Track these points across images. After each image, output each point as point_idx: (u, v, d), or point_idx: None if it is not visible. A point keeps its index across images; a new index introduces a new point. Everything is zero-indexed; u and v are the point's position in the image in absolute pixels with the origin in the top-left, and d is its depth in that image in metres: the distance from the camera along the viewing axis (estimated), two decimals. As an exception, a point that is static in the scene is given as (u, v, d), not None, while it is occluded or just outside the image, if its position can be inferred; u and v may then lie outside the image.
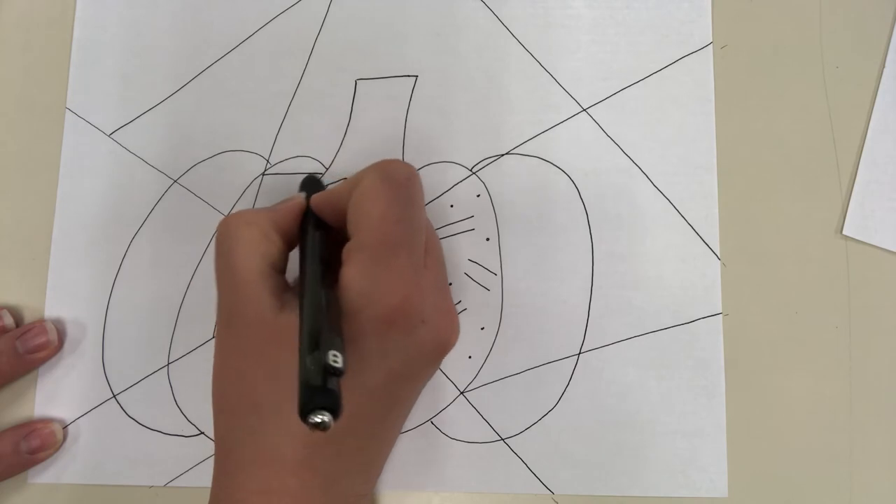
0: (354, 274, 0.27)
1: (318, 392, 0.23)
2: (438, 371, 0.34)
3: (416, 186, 0.29)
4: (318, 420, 0.23)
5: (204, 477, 0.33)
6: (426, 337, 0.28)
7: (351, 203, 0.29)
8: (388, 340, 0.27)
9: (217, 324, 0.30)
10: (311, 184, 0.33)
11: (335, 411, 0.23)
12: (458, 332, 0.30)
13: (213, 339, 0.29)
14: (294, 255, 0.31)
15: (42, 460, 0.34)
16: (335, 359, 0.24)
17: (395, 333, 0.27)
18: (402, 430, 0.34)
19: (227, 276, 0.29)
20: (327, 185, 0.35)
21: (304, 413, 0.23)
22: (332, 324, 0.26)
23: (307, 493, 0.27)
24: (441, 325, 0.29)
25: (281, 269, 0.30)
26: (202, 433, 0.34)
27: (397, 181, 0.29)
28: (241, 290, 0.28)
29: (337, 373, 0.24)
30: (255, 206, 0.35)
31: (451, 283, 0.35)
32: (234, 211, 0.35)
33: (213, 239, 0.30)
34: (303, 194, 0.32)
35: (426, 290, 0.28)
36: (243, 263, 0.29)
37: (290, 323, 0.27)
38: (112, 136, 0.36)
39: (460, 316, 0.34)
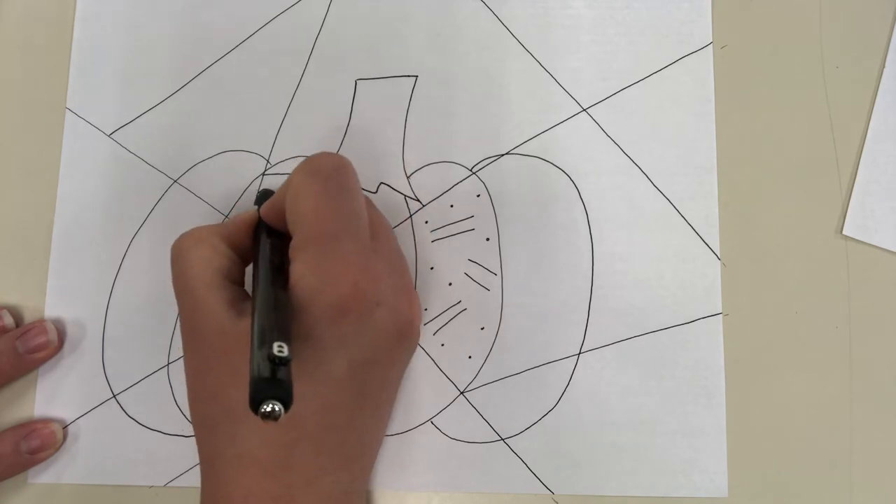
0: (301, 270, 0.28)
1: (267, 382, 0.23)
2: (438, 371, 0.34)
3: (347, 175, 0.30)
4: (268, 409, 0.23)
5: (204, 477, 0.33)
6: (384, 319, 0.28)
7: (286, 204, 0.29)
8: (343, 328, 0.27)
9: (182, 341, 0.30)
10: (266, 197, 0.34)
11: (285, 400, 0.23)
12: (420, 311, 0.30)
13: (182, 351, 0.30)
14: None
15: (42, 460, 0.34)
16: (280, 349, 0.24)
17: (349, 320, 0.27)
18: (402, 431, 0.34)
19: (184, 294, 0.29)
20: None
21: (254, 404, 0.23)
22: (283, 320, 0.26)
23: (288, 493, 0.27)
24: (399, 306, 0.29)
25: (236, 280, 0.31)
26: (202, 433, 0.34)
27: (325, 173, 0.29)
28: (199, 306, 0.29)
29: (283, 362, 0.24)
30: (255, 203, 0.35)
31: (450, 284, 0.35)
32: (195, 228, 0.35)
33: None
34: (255, 207, 0.32)
35: (378, 273, 0.28)
36: (197, 280, 0.29)
37: (248, 328, 0.27)
38: (112, 136, 0.36)
39: (460, 316, 0.34)
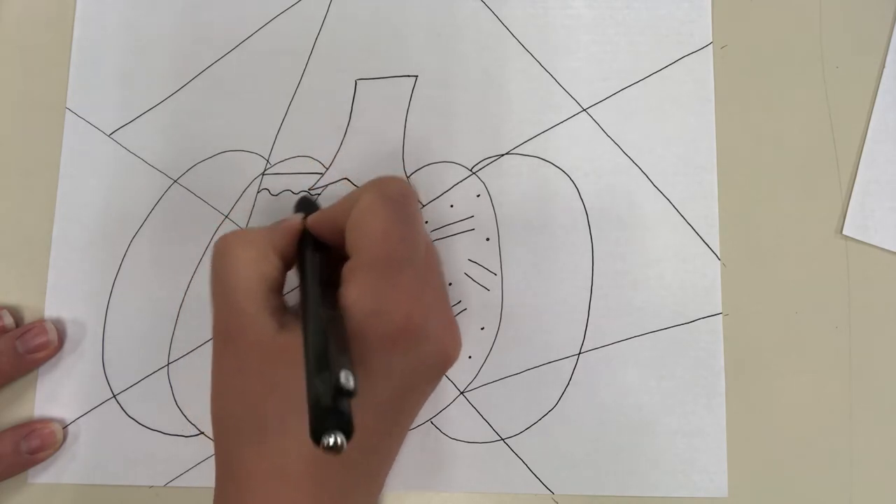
0: (358, 293, 0.27)
1: (330, 413, 0.23)
2: (438, 371, 0.34)
3: (415, 203, 0.29)
4: (332, 442, 0.23)
5: (204, 477, 0.33)
6: (430, 352, 0.28)
7: (350, 222, 0.29)
8: (393, 357, 0.27)
9: (214, 342, 0.29)
10: (307, 204, 0.33)
11: (348, 432, 0.23)
12: (461, 346, 0.30)
13: (211, 352, 0.30)
14: (292, 274, 0.31)
15: (42, 460, 0.34)
16: (347, 379, 0.23)
17: (400, 351, 0.27)
18: (403, 430, 0.34)
19: (224, 295, 0.29)
20: (322, 189, 0.35)
21: (317, 435, 0.23)
22: (339, 344, 0.25)
23: None
24: (444, 340, 0.29)
25: (278, 289, 0.30)
26: (202, 433, 0.34)
27: (396, 199, 0.29)
28: (240, 311, 0.28)
29: (349, 394, 0.23)
30: (255, 203, 0.35)
31: (450, 284, 0.35)
32: (230, 229, 0.35)
33: (211, 251, 0.30)
34: (300, 215, 0.32)
35: (429, 306, 0.28)
36: (241, 283, 0.28)
37: (288, 342, 0.27)
38: (112, 136, 0.36)
39: (460, 316, 0.34)
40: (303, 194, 0.35)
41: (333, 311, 0.27)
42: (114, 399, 0.34)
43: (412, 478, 0.33)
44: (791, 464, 0.33)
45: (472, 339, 0.34)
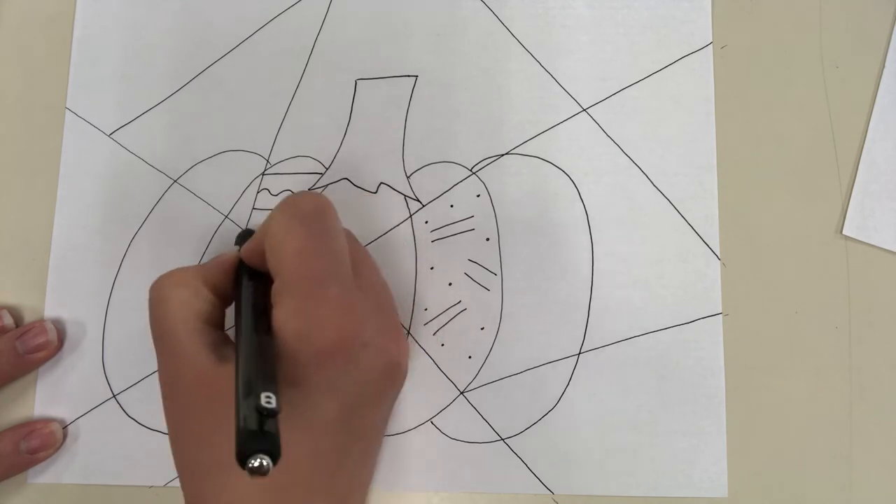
0: (285, 315, 0.27)
1: (255, 436, 0.23)
2: (438, 371, 0.34)
3: (328, 215, 0.29)
4: (257, 464, 0.23)
5: (204, 477, 0.33)
6: (372, 361, 0.28)
7: (266, 247, 0.28)
8: (331, 372, 0.27)
9: (161, 388, 0.29)
10: (245, 236, 0.33)
11: (273, 454, 0.23)
12: (407, 350, 0.30)
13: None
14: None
15: (42, 460, 0.34)
16: (268, 400, 0.24)
17: (337, 364, 0.27)
18: (402, 431, 0.34)
19: (163, 339, 0.29)
20: (322, 189, 0.35)
21: (242, 458, 0.23)
22: (268, 367, 0.26)
23: None
24: (386, 346, 0.29)
25: (217, 324, 0.30)
26: (202, 433, 0.34)
27: (306, 214, 0.28)
28: (178, 351, 0.28)
29: (271, 413, 0.24)
30: (255, 203, 0.35)
31: (450, 284, 0.35)
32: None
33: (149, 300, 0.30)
34: (236, 248, 0.32)
35: (363, 314, 0.28)
36: (175, 325, 0.28)
37: (228, 373, 0.27)
38: (112, 136, 0.36)
39: (460, 316, 0.34)
40: (245, 228, 0.35)
41: (269, 336, 0.27)
42: (114, 399, 0.34)
43: (412, 478, 0.33)
44: (791, 464, 0.33)
45: (472, 339, 0.34)
